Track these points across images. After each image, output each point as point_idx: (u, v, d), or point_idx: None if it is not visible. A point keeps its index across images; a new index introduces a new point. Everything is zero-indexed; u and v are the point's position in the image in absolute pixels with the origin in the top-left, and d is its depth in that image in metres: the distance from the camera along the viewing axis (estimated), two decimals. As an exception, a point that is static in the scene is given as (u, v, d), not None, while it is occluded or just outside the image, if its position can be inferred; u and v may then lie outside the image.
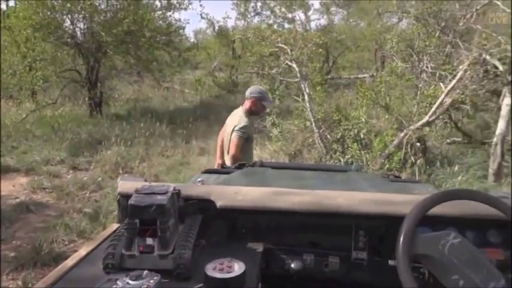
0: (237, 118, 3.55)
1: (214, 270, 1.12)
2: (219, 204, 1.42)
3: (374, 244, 1.40)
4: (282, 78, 7.01)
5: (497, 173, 5.24)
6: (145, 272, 1.03)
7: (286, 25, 12.45)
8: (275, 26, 11.43)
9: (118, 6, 9.28)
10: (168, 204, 1.15)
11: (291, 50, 6.51)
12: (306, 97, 6.41)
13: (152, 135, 8.06)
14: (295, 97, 6.99)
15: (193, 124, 9.09)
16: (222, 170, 2.62)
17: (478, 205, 1.30)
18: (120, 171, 6.11)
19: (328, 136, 6.44)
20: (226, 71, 13.87)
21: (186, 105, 12.08)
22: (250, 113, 3.53)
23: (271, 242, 1.44)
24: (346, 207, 1.39)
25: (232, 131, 3.47)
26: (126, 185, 1.50)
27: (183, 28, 11.15)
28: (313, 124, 6.30)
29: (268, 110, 7.13)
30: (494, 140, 5.30)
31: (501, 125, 5.27)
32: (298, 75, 6.49)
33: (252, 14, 13.41)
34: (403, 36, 7.07)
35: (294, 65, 6.51)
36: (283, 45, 6.67)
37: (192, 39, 16.12)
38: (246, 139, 3.48)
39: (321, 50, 8.04)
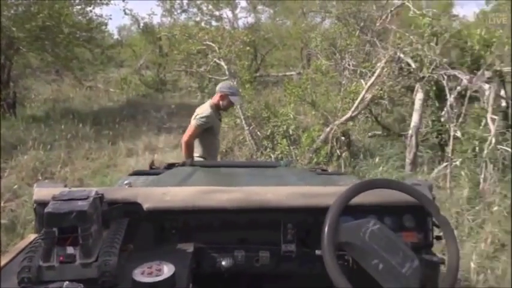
0: (200, 109, 3.61)
1: (142, 274, 1.09)
2: (146, 206, 1.38)
3: (302, 236, 1.45)
4: (210, 76, 6.97)
5: (413, 163, 5.67)
6: (66, 283, 0.97)
7: (214, 23, 12.40)
8: (202, 24, 11.32)
9: (31, -1, 8.61)
10: (90, 210, 1.09)
11: (219, 48, 6.50)
12: (236, 95, 6.45)
13: (75, 138, 7.59)
14: (224, 95, 6.98)
15: (119, 124, 8.71)
16: (151, 171, 2.55)
17: (394, 193, 1.40)
18: (40, 177, 5.68)
19: (258, 133, 6.53)
20: (154, 69, 13.46)
21: (112, 105, 11.56)
22: (217, 107, 3.60)
23: (201, 242, 1.43)
24: (274, 202, 1.42)
25: (193, 119, 3.53)
26: (42, 191, 1.40)
27: (105, 24, 10.63)
28: (243, 121, 6.36)
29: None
30: (410, 132, 5.73)
31: (415, 118, 5.71)
32: (227, 73, 6.51)
33: (179, 11, 13.15)
34: (326, 35, 7.38)
35: (223, 63, 6.51)
36: (210, 43, 6.64)
37: (116, 36, 15.44)
38: (206, 129, 3.51)
39: (248, 48, 8.12)
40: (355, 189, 1.30)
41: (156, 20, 19.87)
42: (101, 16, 10.34)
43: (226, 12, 13.28)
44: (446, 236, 1.30)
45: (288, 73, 11.56)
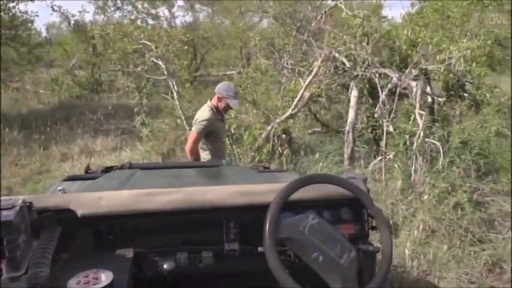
0: (200, 111, 3.54)
1: (78, 284, 1.04)
2: (80, 213, 1.31)
3: (244, 234, 1.46)
4: (148, 76, 6.78)
5: (351, 157, 5.91)
6: None
7: (150, 21, 12.06)
8: (138, 22, 10.98)
9: None
10: (16, 220, 1.01)
11: (156, 47, 6.35)
12: (175, 95, 6.34)
13: (1, 143, 7.06)
14: (164, 95, 6.85)
15: (51, 128, 8.21)
16: (87, 175, 2.44)
17: (331, 187, 1.45)
18: (-39, 188, 5.21)
19: (200, 133, 6.45)
20: (87, 69, 12.82)
21: (42, 107, 10.87)
22: (216, 108, 3.50)
23: (142, 246, 1.39)
24: (215, 202, 1.42)
25: (193, 124, 3.50)
26: (-39, 203, 1.28)
27: (32, 21, 9.97)
28: (184, 122, 6.26)
29: (136, 109, 6.86)
30: (347, 128, 5.96)
31: (351, 114, 5.95)
32: (165, 72, 6.38)
33: (112, 9, 12.63)
34: (264, 34, 7.48)
35: (160, 62, 6.36)
36: (147, 42, 6.46)
37: (44, 34, 14.49)
38: (209, 133, 3.45)
39: (187, 47, 8.01)
40: (294, 186, 1.33)
41: (88, 17, 18.94)
42: (26, 13, 9.68)
43: (163, 11, 12.99)
44: (380, 226, 1.37)
45: (228, 72, 11.57)
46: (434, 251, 3.78)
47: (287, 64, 6.78)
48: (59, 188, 1.72)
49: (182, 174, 2.35)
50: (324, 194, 1.48)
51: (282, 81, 6.84)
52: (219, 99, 3.48)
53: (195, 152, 3.43)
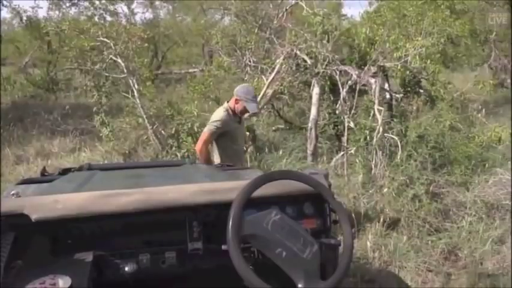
0: (215, 112, 3.45)
1: (33, 292, 0.99)
2: (35, 217, 1.26)
3: (208, 232, 1.45)
4: (107, 74, 6.59)
5: (314, 153, 6.00)
6: None
7: (109, 18, 11.69)
8: (96, 19, 10.62)
9: None
10: (-36, 227, 0.96)
11: (115, 44, 6.18)
12: (136, 93, 6.20)
13: None
14: (124, 93, 6.68)
15: (4, 129, 7.82)
16: (43, 178, 2.34)
17: (294, 183, 1.47)
18: None
19: (162, 132, 6.36)
20: (42, 67, 12.28)
21: (-6, 108, 10.33)
22: (233, 110, 3.36)
23: (102, 249, 1.35)
24: (177, 201, 1.40)
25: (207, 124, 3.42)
26: None
27: (-21, 17, 9.41)
28: (146, 121, 6.14)
29: (95, 108, 6.65)
30: (309, 125, 6.05)
31: (313, 111, 6.05)
32: (125, 70, 6.22)
33: (68, 5, 12.14)
34: (226, 32, 7.45)
35: (120, 60, 6.20)
36: (105, 39, 6.27)
37: (-6, 31, 13.71)
38: (222, 135, 3.33)
39: (147, 44, 7.85)
40: (256, 183, 1.34)
41: (42, 13, 18.13)
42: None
43: (122, 7, 12.63)
44: (341, 219, 1.40)
45: (190, 70, 11.44)
46: (395, 242, 3.92)
47: (249, 62, 6.79)
48: (13, 192, 1.64)
49: (144, 174, 2.30)
50: (286, 190, 1.49)
51: (245, 78, 6.85)
52: (237, 101, 3.32)
53: (204, 152, 3.30)
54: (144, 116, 6.15)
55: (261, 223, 1.28)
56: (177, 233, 1.43)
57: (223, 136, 3.34)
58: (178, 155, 5.78)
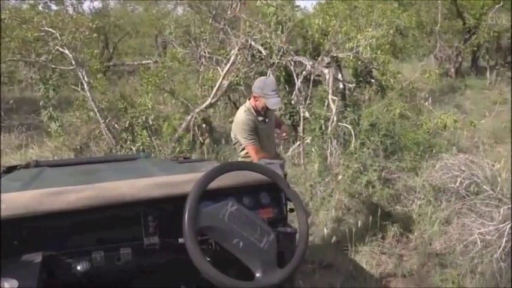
0: (237, 115, 3.12)
1: (-25, 297, 0.93)
2: None
3: (164, 227, 1.43)
4: (54, 66, 6.27)
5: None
6: None
7: (54, 7, 11.11)
8: (40, 7, 10.06)
9: None
10: None
11: (61, 35, 5.88)
12: (86, 86, 5.95)
13: None
14: (73, 86, 6.40)
15: None
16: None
17: (250, 173, 1.47)
18: None
19: (116, 126, 6.17)
20: (-19, 59, 11.50)
21: None
22: (255, 109, 3.05)
23: (52, 249, 1.29)
24: (130, 196, 1.36)
25: (232, 134, 3.21)
26: None
27: None
28: (98, 114, 5.92)
29: (42, 103, 6.32)
30: (266, 115, 6.08)
31: (269, 102, 6.08)
32: (73, 62, 5.94)
33: (9, -8, 11.39)
34: (179, 22, 7.30)
35: (67, 51, 5.91)
36: (50, 29, 5.95)
37: None
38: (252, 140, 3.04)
39: (96, 35, 7.53)
40: (212, 175, 1.33)
41: (-21, 1, 16.88)
42: None
43: (68, -4, 12.04)
44: (296, 207, 1.42)
45: (144, 61, 11.13)
46: (350, 227, 4.05)
47: (204, 53, 6.70)
48: (-50, 194, 1.53)
49: (96, 169, 2.22)
50: (242, 180, 1.49)
51: (200, 70, 6.76)
52: (255, 98, 3.00)
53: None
54: (96, 110, 5.93)
55: (218, 215, 1.28)
56: (132, 228, 1.40)
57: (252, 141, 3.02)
58: (134, 148, 5.63)
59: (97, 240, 1.37)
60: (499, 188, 4.20)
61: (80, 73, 5.90)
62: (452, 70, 10.80)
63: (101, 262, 1.33)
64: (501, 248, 3.21)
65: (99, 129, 6.23)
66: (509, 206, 3.50)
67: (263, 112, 3.04)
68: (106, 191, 1.37)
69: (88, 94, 5.95)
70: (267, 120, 3.10)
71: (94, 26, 6.35)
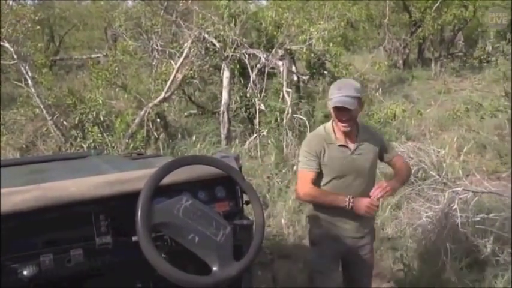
0: None
1: None
2: None
3: (117, 225, 1.39)
4: (-6, 61, 5.90)
5: (228, 137, 6.04)
6: None
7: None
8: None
9: None
10: None
11: (1, 27, 5.52)
12: (30, 81, 5.63)
13: None
14: (16, 82, 6.05)
15: None
16: None
17: (205, 167, 1.46)
18: None
19: (64, 122, 5.91)
20: None
21: None
22: (333, 128, 2.16)
23: None
24: (79, 195, 1.31)
25: None
26: None
27: None
28: (44, 111, 5.64)
29: None
30: (222, 109, 6.06)
31: (224, 95, 6.06)
32: (15, 56, 5.61)
33: None
34: (129, 14, 7.08)
35: (7, 45, 5.56)
36: (-14, 21, 5.58)
37: None
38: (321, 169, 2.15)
39: (39, 27, 7.15)
40: (165, 170, 1.31)
41: None
42: None
43: (8, -15, 11.32)
44: (252, 200, 1.43)
45: (93, 55, 10.71)
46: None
47: (157, 46, 6.55)
48: None
49: (43, 168, 2.12)
50: (197, 175, 1.48)
51: (153, 63, 6.61)
52: (330, 113, 2.12)
53: (309, 197, 2.18)
54: (42, 106, 5.64)
55: (172, 210, 1.26)
56: (82, 228, 1.35)
57: (320, 172, 2.16)
58: (84, 146, 5.42)
59: (46, 243, 1.32)
60: (444, 173, 4.44)
61: (22, 68, 5.58)
62: (401, 62, 11.23)
63: (50, 265, 1.28)
64: (447, 229, 3.40)
65: (46, 127, 5.95)
66: (453, 189, 3.71)
67: (346, 134, 2.11)
68: (53, 191, 1.31)
69: (33, 90, 5.65)
70: (355, 149, 2.13)
71: (37, 17, 6.02)
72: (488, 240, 3.25)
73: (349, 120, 2.04)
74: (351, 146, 2.14)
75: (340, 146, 2.13)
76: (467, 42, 12.52)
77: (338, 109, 2.01)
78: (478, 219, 3.44)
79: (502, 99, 5.98)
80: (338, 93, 2.03)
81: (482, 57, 8.89)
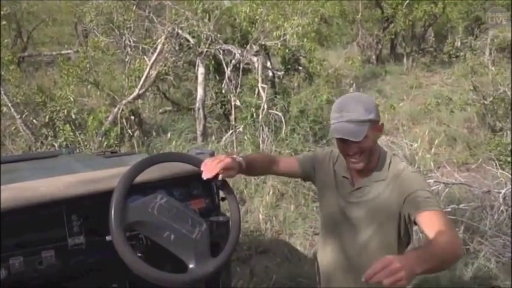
0: None
1: None
2: None
3: (90, 225, 1.36)
4: (-44, 58, 5.66)
5: (203, 134, 6.01)
6: None
7: (-46, -9, 9.97)
8: None
9: None
10: None
11: (-36, 22, 5.32)
12: (-3, 79, 5.45)
13: None
14: (-19, 79, 5.82)
15: None
16: None
17: (179, 165, 1.44)
18: None
19: (34, 121, 5.74)
20: None
21: None
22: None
23: None
24: (49, 195, 1.28)
25: None
26: None
27: None
28: (12, 109, 5.46)
29: None
30: (197, 105, 6.02)
31: (200, 91, 6.01)
32: (-20, 53, 5.41)
33: None
34: (100, 9, 6.91)
35: (-28, 41, 5.36)
36: (-50, 16, 5.35)
37: None
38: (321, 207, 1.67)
39: (5, 22, 6.90)
40: (138, 168, 1.29)
41: None
42: None
43: (-29, -21, 10.86)
44: (228, 196, 1.43)
45: (63, 51, 10.42)
46: (284, 212, 4.17)
47: (129, 41, 6.42)
48: None
49: (12, 168, 2.05)
50: (172, 172, 1.46)
51: (126, 59, 6.48)
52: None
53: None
54: (10, 105, 5.45)
55: (146, 208, 1.24)
56: (54, 229, 1.32)
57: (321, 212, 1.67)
58: (56, 145, 5.28)
59: (15, 245, 1.28)
60: (416, 166, 4.56)
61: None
62: (374, 57, 11.41)
63: (20, 268, 1.24)
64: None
65: (15, 126, 5.75)
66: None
67: (351, 169, 1.51)
68: (22, 191, 1.28)
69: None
70: (357, 191, 1.50)
71: (2, 12, 5.80)
72: (458, 230, 3.35)
73: (359, 154, 1.42)
74: (358, 187, 1.49)
75: (345, 179, 1.53)
76: (437, 37, 12.84)
77: (341, 140, 1.42)
78: (449, 209, 3.55)
79: (471, 93, 6.16)
80: (338, 118, 1.43)
81: (451, 53, 9.13)
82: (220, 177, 1.33)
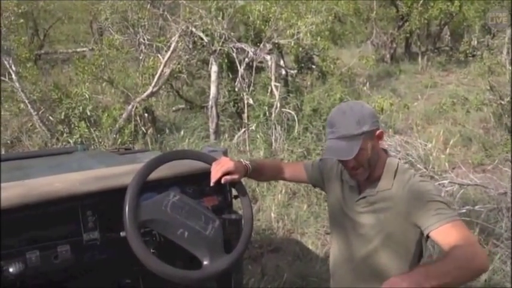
0: None
1: None
2: None
3: (105, 221, 1.38)
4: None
5: (216, 132, 6.03)
6: None
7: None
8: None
9: None
10: None
11: (-17, 20, 5.41)
12: (14, 76, 5.53)
13: None
14: (-1, 76, 5.93)
15: None
16: None
17: (193, 162, 1.45)
18: None
19: (50, 118, 5.83)
20: None
21: None
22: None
23: None
24: (64, 191, 1.30)
25: None
26: None
27: None
28: (29, 106, 5.55)
29: None
30: (210, 103, 6.04)
31: (213, 89, 6.03)
32: (-1, 50, 5.50)
33: None
34: (115, 7, 6.98)
35: (-10, 39, 5.46)
36: (-30, 14, 5.46)
37: None
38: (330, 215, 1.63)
39: (23, 20, 7.02)
40: (151, 165, 1.30)
41: None
42: None
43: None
44: (240, 193, 1.43)
45: (79, 49, 10.56)
46: (296, 211, 4.16)
47: (144, 40, 6.48)
48: None
49: (29, 165, 2.09)
50: (185, 169, 1.47)
51: (140, 57, 6.53)
52: None
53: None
54: (27, 101, 5.55)
55: (159, 206, 1.25)
56: (69, 225, 1.34)
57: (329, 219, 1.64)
58: (71, 141, 5.35)
59: (32, 240, 1.30)
60: (431, 166, 4.50)
61: (6, 62, 5.46)
62: (388, 56, 11.31)
63: (36, 262, 1.26)
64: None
65: (31, 122, 5.85)
66: (440, 182, 3.76)
67: (355, 178, 1.45)
68: (37, 187, 1.30)
69: (17, 84, 5.55)
70: (363, 200, 1.44)
71: (20, 11, 5.90)
72: (473, 232, 3.30)
73: (356, 168, 1.38)
74: (364, 195, 1.43)
75: (351, 187, 1.49)
76: (453, 36, 12.66)
77: None
78: (464, 211, 3.49)
79: (487, 92, 6.06)
80: (329, 134, 1.36)
81: (467, 52, 8.99)
82: (222, 181, 1.36)
